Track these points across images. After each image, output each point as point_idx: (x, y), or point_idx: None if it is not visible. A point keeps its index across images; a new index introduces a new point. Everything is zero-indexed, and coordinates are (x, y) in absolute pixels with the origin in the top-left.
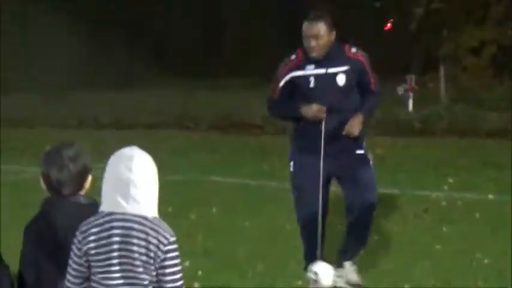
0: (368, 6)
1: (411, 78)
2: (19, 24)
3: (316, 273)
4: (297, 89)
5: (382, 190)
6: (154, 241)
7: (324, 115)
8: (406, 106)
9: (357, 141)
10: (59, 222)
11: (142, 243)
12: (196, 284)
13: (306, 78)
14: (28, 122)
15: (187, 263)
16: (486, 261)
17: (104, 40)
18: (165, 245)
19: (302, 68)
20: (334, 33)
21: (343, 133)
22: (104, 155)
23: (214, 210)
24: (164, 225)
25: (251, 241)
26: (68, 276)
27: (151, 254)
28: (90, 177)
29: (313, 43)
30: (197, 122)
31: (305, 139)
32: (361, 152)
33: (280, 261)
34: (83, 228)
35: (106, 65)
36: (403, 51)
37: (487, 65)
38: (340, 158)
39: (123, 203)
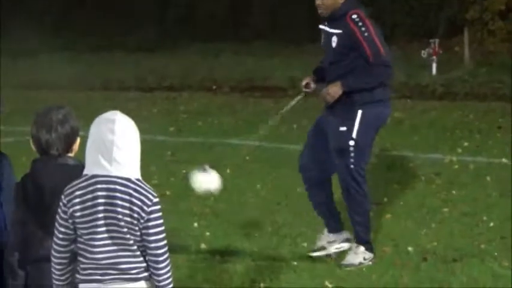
0: None
1: (435, 42)
2: None
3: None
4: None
5: (395, 153)
6: (138, 202)
7: (305, 91)
8: (430, 70)
9: (345, 112)
10: (46, 182)
11: (126, 204)
12: (203, 245)
13: (322, 33)
14: (56, 83)
15: (195, 225)
16: (491, 224)
17: (132, 3)
18: (148, 206)
19: (323, 23)
20: None
21: (319, 97)
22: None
23: (228, 172)
24: (147, 186)
25: (261, 203)
26: (55, 239)
27: (135, 215)
28: (78, 140)
29: (318, 1)
30: (220, 85)
31: None
32: (343, 129)
33: (288, 224)
34: (68, 191)
35: (131, 28)
36: (429, 15)
37: None
38: (330, 125)
39: (107, 165)
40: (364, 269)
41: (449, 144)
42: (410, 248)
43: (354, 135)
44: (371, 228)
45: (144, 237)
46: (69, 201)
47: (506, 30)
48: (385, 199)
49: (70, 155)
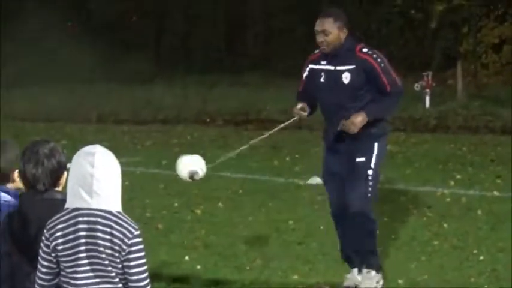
0: (390, 4)
1: (428, 75)
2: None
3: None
4: (312, 82)
5: (388, 186)
6: (119, 235)
7: (301, 114)
8: (424, 103)
9: (362, 144)
10: (32, 217)
11: (107, 237)
12: (193, 279)
13: (319, 72)
14: (46, 116)
15: (186, 258)
16: (482, 257)
17: (127, 34)
18: (129, 239)
19: (318, 62)
20: (345, 31)
21: (338, 128)
22: (121, 150)
23: (220, 205)
24: (128, 219)
25: (253, 236)
26: (39, 273)
27: (116, 247)
28: (65, 174)
29: (321, 38)
30: (214, 117)
31: (325, 135)
32: (362, 159)
33: (279, 256)
34: (50, 225)
35: (128, 60)
36: (424, 49)
37: (507, 62)
38: (344, 160)
39: (87, 198)
40: None
41: (442, 177)
42: (400, 281)
43: (372, 165)
44: None
45: (126, 269)
46: (51, 235)
47: (500, 63)
48: (376, 232)
49: (57, 189)
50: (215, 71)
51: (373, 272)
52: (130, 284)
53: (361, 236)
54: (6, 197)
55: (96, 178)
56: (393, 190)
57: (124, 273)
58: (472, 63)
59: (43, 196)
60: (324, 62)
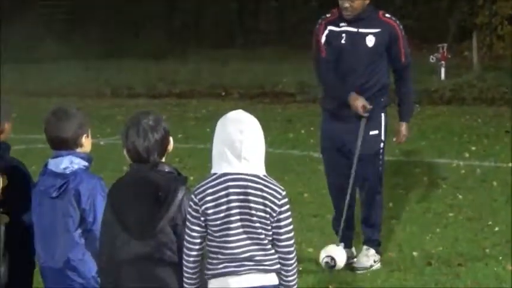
0: None
1: (444, 47)
2: None
3: (332, 259)
4: (331, 45)
5: (403, 158)
6: (270, 197)
7: (364, 114)
8: (439, 75)
9: (372, 115)
10: (138, 188)
11: (259, 199)
12: None
13: (339, 34)
14: (61, 91)
15: None
16: (497, 228)
17: (140, 10)
18: (279, 200)
19: (336, 24)
20: None
21: (394, 139)
22: None
23: None
24: (275, 181)
25: None
26: (188, 237)
27: (268, 209)
28: (171, 140)
29: (346, 4)
30: (229, 91)
31: (328, 101)
32: (375, 132)
33: (294, 229)
34: (198, 190)
35: (142, 35)
36: (439, 20)
37: None
38: (353, 129)
39: (236, 163)
40: (369, 273)
41: (457, 149)
42: (415, 253)
43: (383, 137)
44: None
45: (275, 230)
46: (200, 199)
47: None
48: (391, 204)
49: (164, 160)
50: (228, 46)
51: (372, 251)
52: (279, 244)
53: (372, 210)
54: (82, 162)
55: (245, 144)
56: (408, 162)
57: (273, 233)
58: (487, 35)
59: (157, 168)
60: (343, 24)
